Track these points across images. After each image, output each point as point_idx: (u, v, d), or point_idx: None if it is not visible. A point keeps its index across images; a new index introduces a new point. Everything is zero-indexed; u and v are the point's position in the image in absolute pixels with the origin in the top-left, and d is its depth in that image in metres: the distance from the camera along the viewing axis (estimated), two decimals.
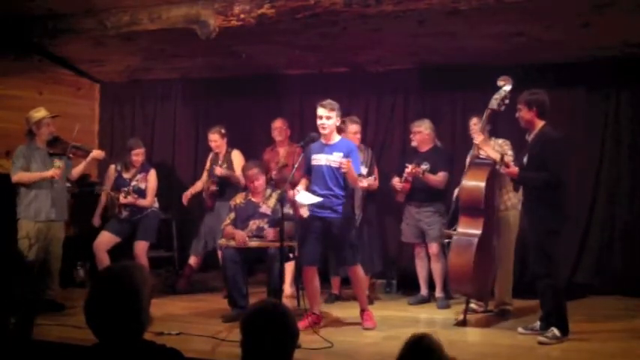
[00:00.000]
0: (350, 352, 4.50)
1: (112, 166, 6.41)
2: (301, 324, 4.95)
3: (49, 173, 5.63)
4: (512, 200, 5.45)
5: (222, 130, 6.53)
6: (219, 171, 6.38)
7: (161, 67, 7.48)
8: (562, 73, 6.13)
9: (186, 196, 6.66)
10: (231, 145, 6.59)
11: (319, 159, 5.12)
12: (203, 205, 6.73)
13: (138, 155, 6.32)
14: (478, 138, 5.09)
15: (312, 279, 5.19)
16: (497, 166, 4.94)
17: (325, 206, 5.06)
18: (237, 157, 6.47)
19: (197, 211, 6.90)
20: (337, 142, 5.16)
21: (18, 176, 5.65)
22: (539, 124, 4.78)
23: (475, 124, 5.57)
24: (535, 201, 4.75)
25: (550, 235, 4.69)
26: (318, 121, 5.10)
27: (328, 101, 5.09)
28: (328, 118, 5.06)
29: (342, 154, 5.07)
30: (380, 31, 5.67)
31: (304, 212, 5.29)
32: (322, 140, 5.16)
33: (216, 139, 6.52)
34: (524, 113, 4.80)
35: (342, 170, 4.98)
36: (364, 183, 5.45)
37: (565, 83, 6.11)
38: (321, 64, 7.01)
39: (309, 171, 5.22)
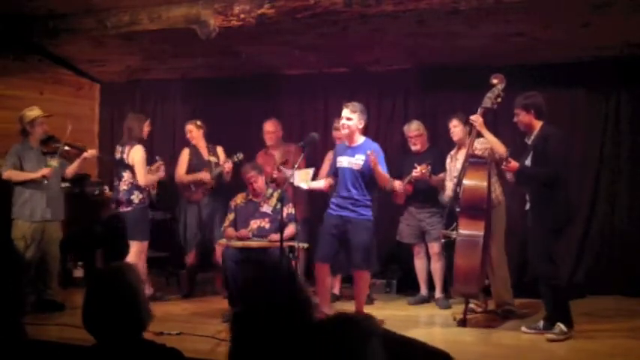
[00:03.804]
0: None
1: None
2: None
3: (38, 174, 5.58)
4: (499, 197, 5.48)
5: (199, 122, 6.54)
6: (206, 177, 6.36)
7: (161, 67, 7.48)
8: (562, 73, 6.13)
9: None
10: (232, 144, 6.58)
11: (342, 161, 5.16)
12: (184, 198, 6.54)
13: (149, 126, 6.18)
14: (477, 120, 5.09)
15: (324, 276, 5.20)
16: (503, 163, 4.88)
17: (343, 206, 5.09)
18: (222, 153, 6.52)
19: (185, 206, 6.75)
20: (361, 144, 5.17)
21: (8, 173, 5.62)
22: (538, 125, 4.85)
23: (456, 126, 5.61)
24: (539, 200, 4.78)
25: (551, 234, 4.72)
26: (341, 122, 5.15)
27: (352, 103, 5.15)
28: (349, 119, 5.09)
29: (364, 157, 5.08)
30: (380, 31, 5.67)
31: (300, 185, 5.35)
32: (346, 142, 5.19)
33: (191, 130, 6.50)
34: (522, 117, 4.88)
35: (371, 162, 4.97)
36: (396, 185, 5.65)
37: (565, 83, 6.11)
38: (321, 64, 7.01)
39: (334, 172, 5.26)
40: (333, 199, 5.21)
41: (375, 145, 5.21)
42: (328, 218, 5.18)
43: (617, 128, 6.30)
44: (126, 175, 5.83)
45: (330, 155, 5.81)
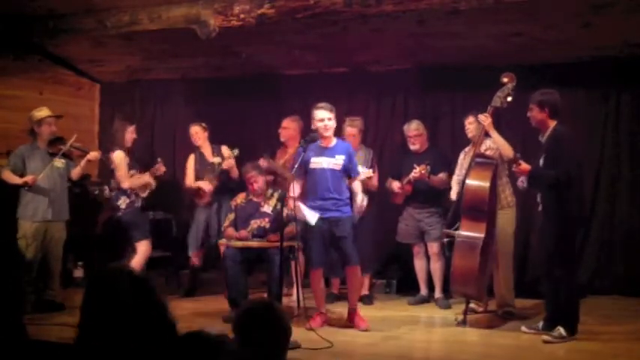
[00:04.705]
0: (350, 352, 4.50)
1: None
2: (314, 323, 4.99)
3: (20, 181, 5.58)
4: (508, 199, 5.45)
5: (203, 124, 6.54)
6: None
7: (161, 67, 7.49)
8: (562, 73, 6.12)
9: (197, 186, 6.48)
10: (232, 144, 6.56)
11: (320, 162, 5.11)
12: (194, 201, 6.62)
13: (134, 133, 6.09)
14: (486, 120, 5.07)
15: (319, 281, 5.21)
16: (513, 166, 4.82)
17: (325, 208, 5.06)
18: (227, 151, 6.48)
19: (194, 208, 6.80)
20: (336, 145, 5.17)
21: (5, 175, 5.65)
22: (552, 124, 4.75)
23: (471, 123, 5.58)
24: (551, 200, 4.69)
25: (566, 235, 4.65)
26: (320, 124, 5.08)
27: (326, 103, 5.10)
28: (330, 119, 5.07)
29: (344, 157, 5.09)
30: (380, 31, 5.67)
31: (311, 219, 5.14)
32: (321, 143, 5.14)
33: (197, 131, 6.48)
34: (535, 113, 4.76)
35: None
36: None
37: (565, 83, 6.08)
38: (321, 64, 7.01)
39: (305, 174, 5.18)
40: (311, 202, 5.10)
41: (349, 146, 5.30)
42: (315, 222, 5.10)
43: (617, 128, 6.30)
44: (112, 181, 5.95)
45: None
